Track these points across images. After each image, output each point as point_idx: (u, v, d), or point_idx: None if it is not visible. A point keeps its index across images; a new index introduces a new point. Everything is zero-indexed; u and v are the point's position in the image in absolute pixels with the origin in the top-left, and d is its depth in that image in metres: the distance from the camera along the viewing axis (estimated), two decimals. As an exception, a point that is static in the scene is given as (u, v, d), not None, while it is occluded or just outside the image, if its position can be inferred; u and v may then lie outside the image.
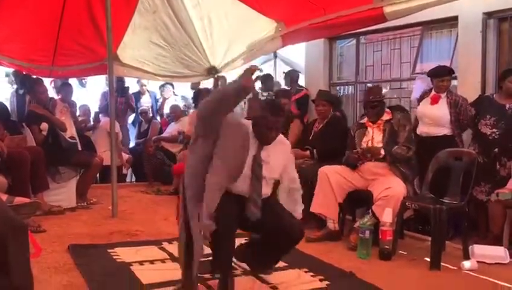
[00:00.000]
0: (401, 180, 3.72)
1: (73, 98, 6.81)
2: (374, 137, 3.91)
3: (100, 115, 6.87)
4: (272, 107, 2.79)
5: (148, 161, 6.61)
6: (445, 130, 4.18)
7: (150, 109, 7.83)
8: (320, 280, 2.95)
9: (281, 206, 2.90)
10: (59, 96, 5.99)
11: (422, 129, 4.30)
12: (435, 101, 4.23)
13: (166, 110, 7.91)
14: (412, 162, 3.87)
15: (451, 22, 4.96)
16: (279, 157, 2.86)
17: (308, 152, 4.54)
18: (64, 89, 6.20)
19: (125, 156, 6.65)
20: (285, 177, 2.96)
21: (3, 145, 4.21)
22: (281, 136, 2.91)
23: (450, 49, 5.05)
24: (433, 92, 4.29)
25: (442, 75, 4.24)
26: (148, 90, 8.05)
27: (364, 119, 4.08)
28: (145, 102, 7.91)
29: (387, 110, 4.01)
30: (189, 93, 8.00)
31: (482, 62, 4.62)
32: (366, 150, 3.84)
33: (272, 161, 2.80)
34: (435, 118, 4.20)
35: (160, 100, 8.10)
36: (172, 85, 7.96)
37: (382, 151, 3.78)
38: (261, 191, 2.75)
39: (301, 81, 6.84)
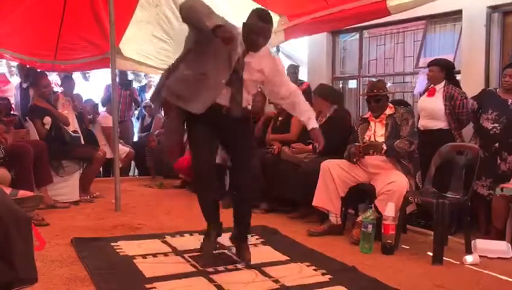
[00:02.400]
0: (403, 174, 3.72)
1: (77, 92, 6.84)
2: (376, 131, 3.91)
3: (103, 109, 6.89)
4: (262, 14, 2.91)
5: (150, 155, 6.62)
6: (441, 124, 4.18)
7: (153, 103, 7.84)
8: (322, 274, 2.95)
9: (247, 158, 3.16)
10: (61, 90, 6.00)
11: (420, 122, 4.34)
12: (430, 94, 4.27)
13: None
14: (415, 156, 3.86)
15: (455, 15, 4.94)
16: (265, 65, 3.02)
17: (310, 146, 4.54)
18: (66, 82, 6.21)
19: (125, 149, 6.63)
20: (282, 90, 3.16)
21: (8, 136, 4.22)
22: (271, 53, 3.12)
23: (453, 43, 5.03)
24: (431, 85, 4.32)
25: (429, 64, 4.32)
26: (154, 85, 8.06)
27: (368, 114, 4.07)
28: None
29: (390, 104, 3.99)
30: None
31: (486, 56, 4.60)
32: (368, 145, 3.83)
33: (255, 66, 2.98)
34: (430, 110, 4.24)
35: None
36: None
37: (384, 146, 3.77)
38: (242, 90, 2.96)
39: (303, 76, 6.83)
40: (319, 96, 4.64)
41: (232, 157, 3.20)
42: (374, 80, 4.52)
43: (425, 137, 4.15)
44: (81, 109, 6.31)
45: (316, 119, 4.71)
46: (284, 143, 4.86)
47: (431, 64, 4.35)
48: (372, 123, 3.97)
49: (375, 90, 3.91)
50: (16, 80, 6.47)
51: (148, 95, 7.87)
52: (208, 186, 3.09)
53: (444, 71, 4.27)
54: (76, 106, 5.98)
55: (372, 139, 3.90)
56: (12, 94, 6.19)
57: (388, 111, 3.93)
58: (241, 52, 2.96)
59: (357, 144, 3.91)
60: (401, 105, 4.23)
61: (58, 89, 6.39)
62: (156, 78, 7.96)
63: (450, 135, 4.13)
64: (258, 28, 2.87)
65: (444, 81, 4.23)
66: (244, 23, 2.95)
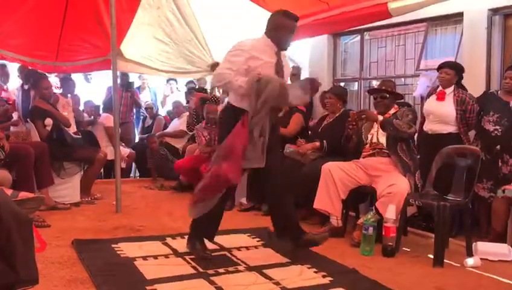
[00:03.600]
0: (403, 171, 3.73)
1: (78, 94, 6.85)
2: (379, 130, 3.93)
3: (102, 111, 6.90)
4: (290, 14, 3.23)
5: (151, 156, 6.62)
6: (451, 128, 4.13)
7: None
8: (323, 276, 2.95)
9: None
10: (60, 91, 6.00)
11: (427, 126, 4.27)
12: (440, 97, 4.20)
13: (168, 106, 7.95)
14: (414, 155, 3.88)
15: (456, 18, 4.94)
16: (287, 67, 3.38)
17: (318, 143, 4.53)
18: (65, 83, 6.21)
19: (126, 151, 6.63)
20: None
21: (5, 141, 4.22)
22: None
23: (454, 45, 5.03)
24: (439, 88, 4.28)
25: (440, 66, 4.24)
26: (148, 86, 8.05)
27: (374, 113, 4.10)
28: (145, 97, 7.92)
29: (395, 105, 4.03)
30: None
31: (487, 59, 4.60)
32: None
33: (285, 64, 3.32)
34: (440, 115, 4.17)
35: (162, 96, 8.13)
36: (176, 81, 7.96)
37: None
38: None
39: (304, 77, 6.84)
40: (333, 94, 4.66)
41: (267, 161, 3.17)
42: (374, 82, 4.56)
43: (434, 141, 4.10)
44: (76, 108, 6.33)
45: (323, 120, 4.76)
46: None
47: (446, 66, 4.20)
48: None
49: (383, 87, 4.03)
50: (11, 84, 6.47)
51: (143, 96, 7.86)
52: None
53: (458, 75, 4.21)
54: (77, 108, 5.99)
55: (375, 138, 3.93)
56: (15, 96, 6.19)
57: (393, 111, 3.98)
58: (275, 55, 3.18)
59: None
60: (405, 106, 4.26)
61: (57, 91, 6.40)
62: (151, 79, 7.95)
63: (459, 138, 4.10)
64: (293, 28, 3.20)
65: (453, 85, 4.18)
66: (280, 25, 3.18)
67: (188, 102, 7.17)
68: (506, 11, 4.56)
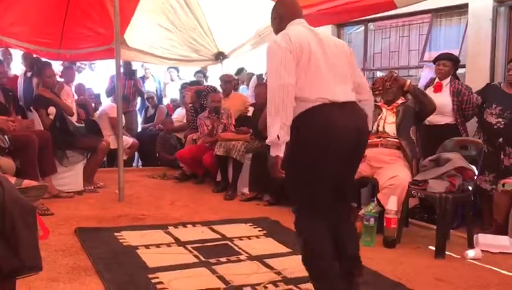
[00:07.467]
0: (410, 155, 3.75)
1: (83, 82, 6.84)
2: (387, 119, 3.94)
3: (110, 99, 6.89)
4: None
5: (161, 143, 6.60)
6: (448, 119, 4.18)
7: (155, 94, 7.82)
8: (324, 266, 2.96)
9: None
10: (63, 80, 6.00)
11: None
12: (437, 89, 4.24)
13: (168, 95, 7.92)
14: (419, 142, 3.91)
15: (461, 9, 4.91)
16: None
17: None
18: (66, 72, 6.21)
19: (129, 140, 6.62)
20: None
21: (11, 123, 4.24)
22: None
23: (459, 37, 5.01)
24: (436, 80, 4.29)
25: (439, 58, 4.26)
26: (152, 75, 8.03)
27: (380, 102, 4.09)
28: (150, 86, 7.90)
29: (402, 97, 4.03)
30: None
31: (492, 50, 4.57)
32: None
33: None
34: (437, 106, 4.19)
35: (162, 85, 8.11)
36: (176, 69, 7.93)
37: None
38: None
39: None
40: None
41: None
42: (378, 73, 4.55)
43: (432, 131, 4.14)
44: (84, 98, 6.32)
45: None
46: None
47: (443, 58, 4.24)
48: (384, 110, 3.99)
49: (389, 77, 4.08)
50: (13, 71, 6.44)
51: (147, 85, 7.84)
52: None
53: (455, 67, 4.26)
54: (84, 98, 6.01)
55: (382, 126, 3.94)
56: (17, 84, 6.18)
57: (400, 101, 4.00)
58: None
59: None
60: None
61: (60, 80, 6.40)
62: (154, 68, 7.92)
63: (456, 129, 4.14)
64: None
65: (450, 76, 4.21)
66: None
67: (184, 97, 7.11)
68: (511, 3, 4.52)
